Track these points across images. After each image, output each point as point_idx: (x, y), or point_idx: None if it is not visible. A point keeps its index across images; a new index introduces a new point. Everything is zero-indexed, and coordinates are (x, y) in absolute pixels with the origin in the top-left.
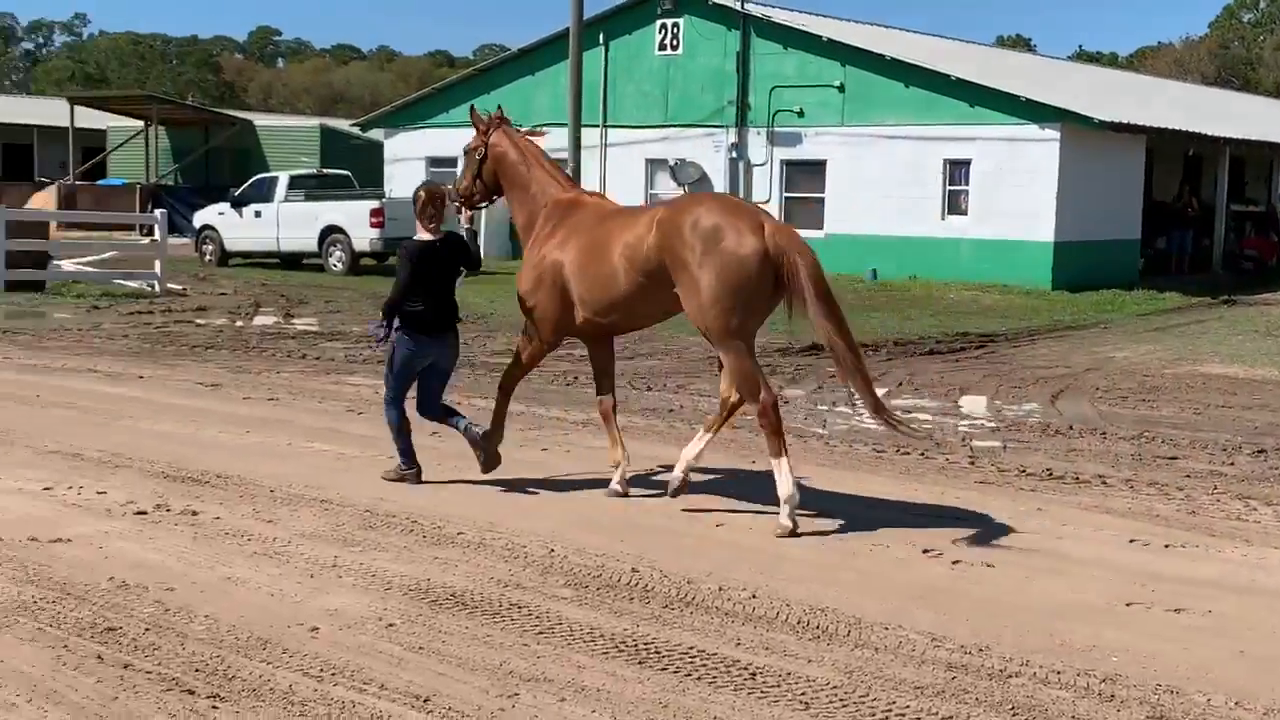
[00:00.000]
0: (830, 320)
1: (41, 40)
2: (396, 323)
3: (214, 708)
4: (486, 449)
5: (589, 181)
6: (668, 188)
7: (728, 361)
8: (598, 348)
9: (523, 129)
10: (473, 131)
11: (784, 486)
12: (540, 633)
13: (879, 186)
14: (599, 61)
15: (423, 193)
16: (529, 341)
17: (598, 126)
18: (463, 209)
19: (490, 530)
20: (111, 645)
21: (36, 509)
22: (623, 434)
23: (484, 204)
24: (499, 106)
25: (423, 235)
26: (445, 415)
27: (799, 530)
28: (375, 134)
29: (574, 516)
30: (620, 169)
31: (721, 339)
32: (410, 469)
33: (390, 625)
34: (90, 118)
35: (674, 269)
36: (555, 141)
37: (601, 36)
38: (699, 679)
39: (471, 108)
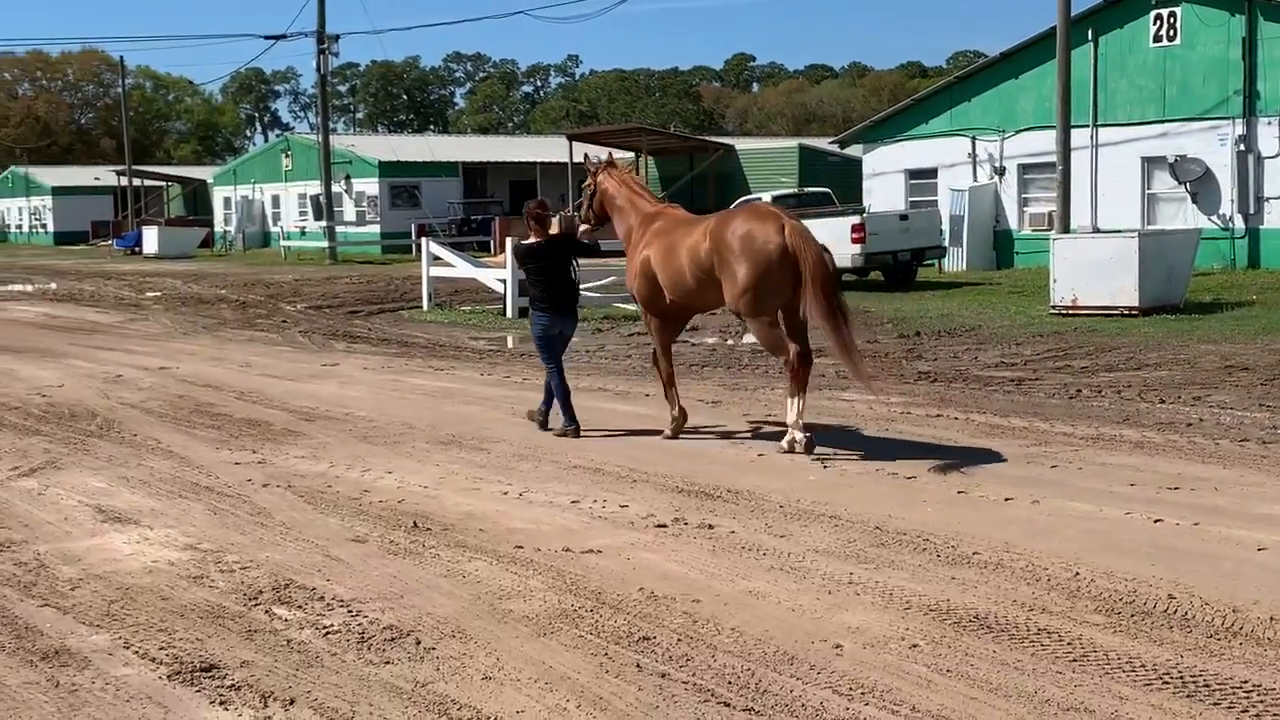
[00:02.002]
0: (822, 298)
1: (539, 83)
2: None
3: None
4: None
5: (1079, 185)
6: (1166, 186)
7: (756, 332)
8: (675, 328)
9: (619, 165)
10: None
11: (791, 414)
12: (1073, 660)
13: None
14: (1087, 59)
15: (530, 206)
16: (649, 326)
17: (1087, 127)
18: (581, 224)
19: (1007, 551)
20: (648, 654)
21: (567, 521)
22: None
23: (598, 226)
24: (609, 153)
25: (530, 239)
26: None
27: (797, 449)
28: (853, 150)
29: (1097, 538)
30: (1113, 169)
31: (750, 315)
32: (571, 425)
33: (914, 646)
34: (585, 152)
35: (719, 265)
36: (1042, 145)
37: (1090, 32)
38: (1258, 717)
39: (585, 156)
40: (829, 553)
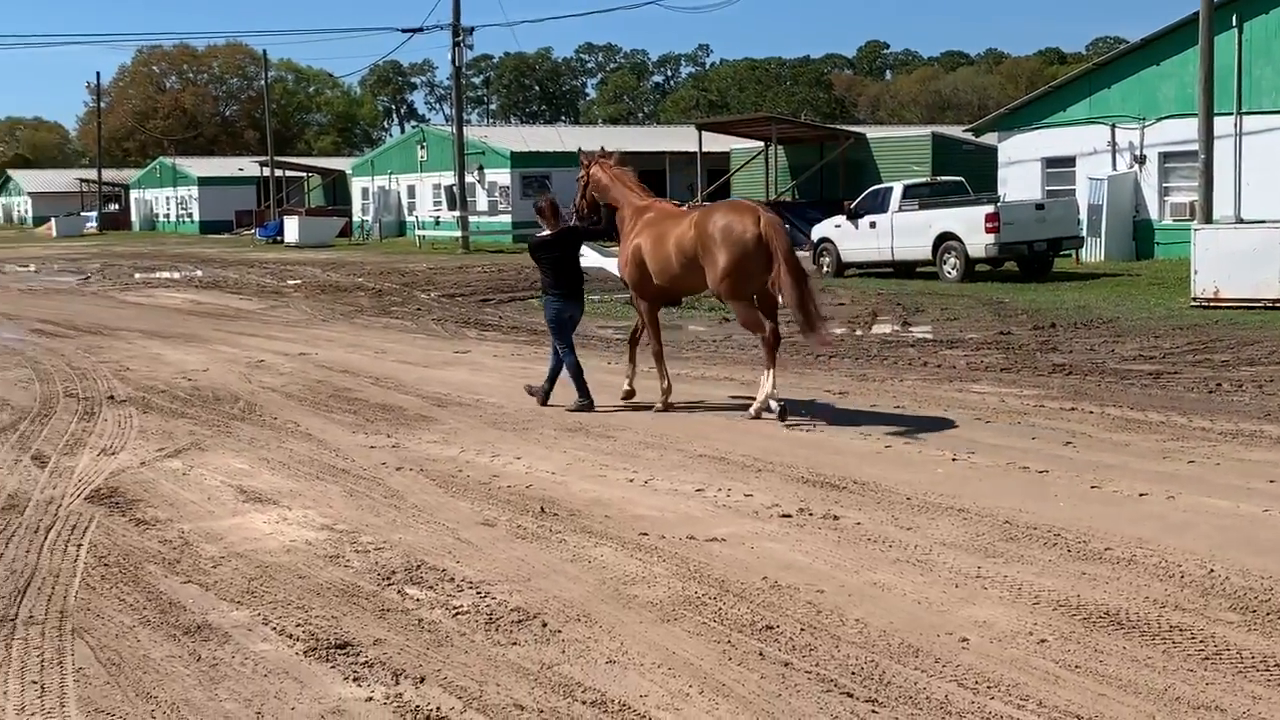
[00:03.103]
0: (791, 276)
1: (669, 73)
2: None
3: (873, 712)
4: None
5: (1223, 174)
6: None
7: (738, 311)
8: (660, 310)
9: (612, 156)
10: None
11: (765, 388)
12: (1205, 658)
13: None
14: (1231, 45)
15: (540, 203)
16: (639, 307)
17: (1231, 115)
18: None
19: (1140, 547)
20: (771, 643)
21: (691, 509)
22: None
23: (594, 216)
24: (600, 147)
25: (544, 232)
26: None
27: (759, 417)
28: (988, 138)
29: (1233, 535)
30: (1258, 158)
31: (731, 297)
32: (585, 400)
33: (1042, 641)
34: (714, 141)
35: (702, 253)
36: (1184, 133)
37: (1234, 18)
38: None
39: (579, 150)
40: (956, 546)
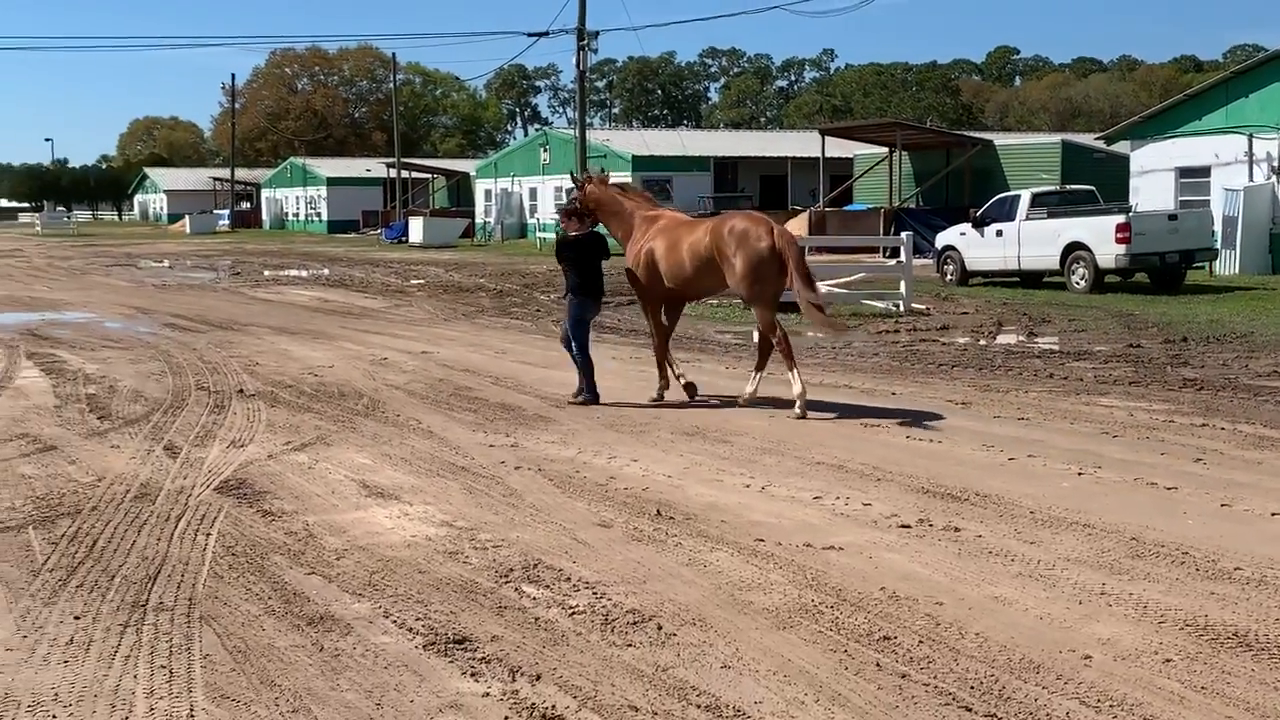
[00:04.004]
0: (803, 282)
1: (793, 77)
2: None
3: None
4: (593, 391)
5: None
6: None
7: (758, 314)
8: (673, 312)
9: (607, 176)
10: None
11: (796, 386)
12: None
13: None
14: None
15: (568, 206)
16: (646, 310)
17: None
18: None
19: (1271, 567)
20: (888, 654)
21: (808, 516)
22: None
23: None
24: (601, 168)
25: (569, 233)
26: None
27: (806, 416)
28: (1119, 147)
29: None
30: None
31: (751, 300)
32: (592, 395)
33: (1168, 660)
34: (837, 147)
35: (721, 259)
36: None
37: None
38: None
39: (570, 174)
40: (1081, 562)
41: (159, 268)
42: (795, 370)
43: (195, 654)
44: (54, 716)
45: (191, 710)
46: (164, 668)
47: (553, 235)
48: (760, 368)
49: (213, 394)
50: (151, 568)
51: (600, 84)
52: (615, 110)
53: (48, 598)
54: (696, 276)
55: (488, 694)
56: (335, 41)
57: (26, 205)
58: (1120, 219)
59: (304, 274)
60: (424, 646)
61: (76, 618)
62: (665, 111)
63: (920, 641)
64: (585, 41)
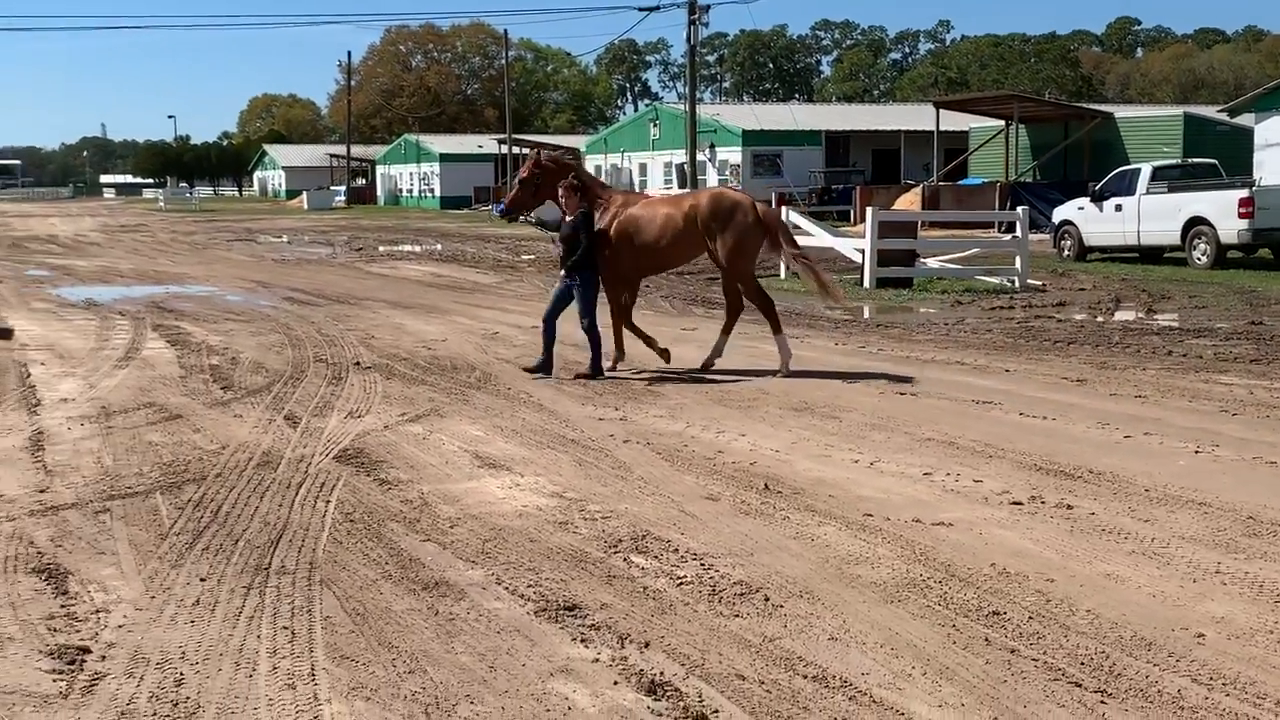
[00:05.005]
0: (793, 251)
1: (907, 49)
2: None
3: (1102, 703)
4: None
5: None
6: None
7: (745, 285)
8: (633, 288)
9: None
10: None
11: (784, 351)
12: None
13: None
14: None
15: (569, 184)
16: (607, 284)
17: None
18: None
19: None
20: (997, 629)
21: (918, 492)
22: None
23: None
24: (567, 150)
25: (572, 212)
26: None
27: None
28: (1243, 119)
29: None
30: None
31: (738, 271)
32: (600, 370)
33: None
34: (951, 120)
35: (709, 234)
36: None
37: None
38: None
39: (524, 152)
40: (1196, 540)
41: (277, 243)
42: (782, 334)
43: (316, 616)
44: (181, 674)
45: (313, 670)
46: (286, 629)
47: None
48: (727, 331)
49: (330, 366)
50: (273, 532)
51: (711, 58)
52: (725, 84)
53: (175, 560)
54: (672, 250)
55: (597, 660)
56: (449, 18)
57: (150, 181)
58: (1244, 193)
59: (417, 249)
60: (535, 613)
61: (202, 580)
62: (776, 85)
63: (1030, 617)
64: (697, 15)
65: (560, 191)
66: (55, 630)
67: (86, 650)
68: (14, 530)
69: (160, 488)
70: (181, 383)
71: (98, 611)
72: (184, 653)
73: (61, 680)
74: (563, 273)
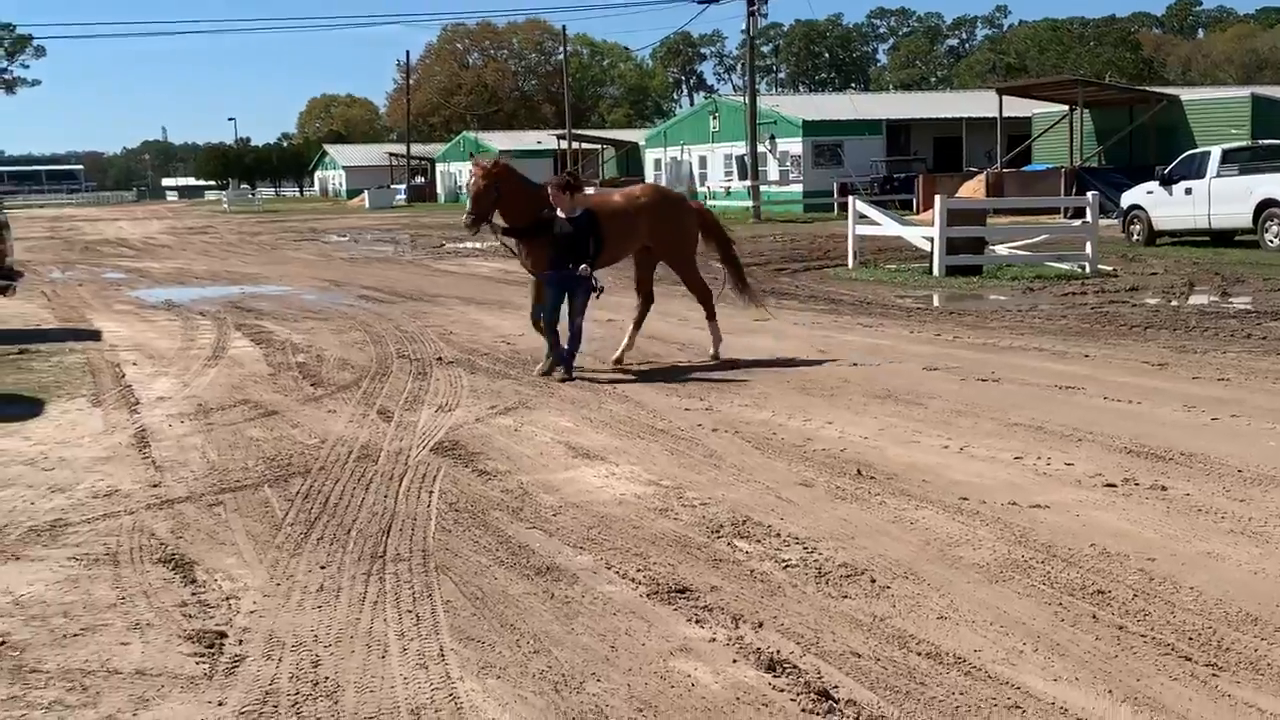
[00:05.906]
0: (722, 249)
1: (964, 36)
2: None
3: (1214, 675)
4: (554, 364)
5: None
6: None
7: (687, 275)
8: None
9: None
10: None
11: (715, 335)
12: None
13: None
14: None
15: (559, 182)
16: (540, 277)
17: None
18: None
19: None
20: (1103, 607)
21: (1011, 476)
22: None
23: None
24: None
25: (569, 210)
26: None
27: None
28: None
29: None
30: None
31: (681, 262)
32: (563, 363)
33: None
34: (1013, 106)
35: (655, 227)
36: None
37: None
38: None
39: (472, 156)
40: None
41: (343, 242)
42: (715, 320)
43: (437, 600)
44: (317, 655)
45: (441, 650)
46: (410, 612)
47: (723, 203)
48: (637, 325)
49: (414, 361)
50: (383, 522)
51: (766, 49)
52: (781, 75)
53: (292, 549)
54: (617, 245)
55: (714, 639)
56: (505, 16)
57: (212, 183)
58: None
59: (482, 246)
60: (647, 595)
61: (322, 567)
62: (832, 75)
63: (1135, 595)
64: (756, 5)
65: (550, 192)
66: (189, 616)
67: (223, 635)
68: (134, 523)
69: (267, 481)
70: (272, 380)
71: (227, 598)
72: (316, 636)
73: (204, 663)
74: (583, 267)
